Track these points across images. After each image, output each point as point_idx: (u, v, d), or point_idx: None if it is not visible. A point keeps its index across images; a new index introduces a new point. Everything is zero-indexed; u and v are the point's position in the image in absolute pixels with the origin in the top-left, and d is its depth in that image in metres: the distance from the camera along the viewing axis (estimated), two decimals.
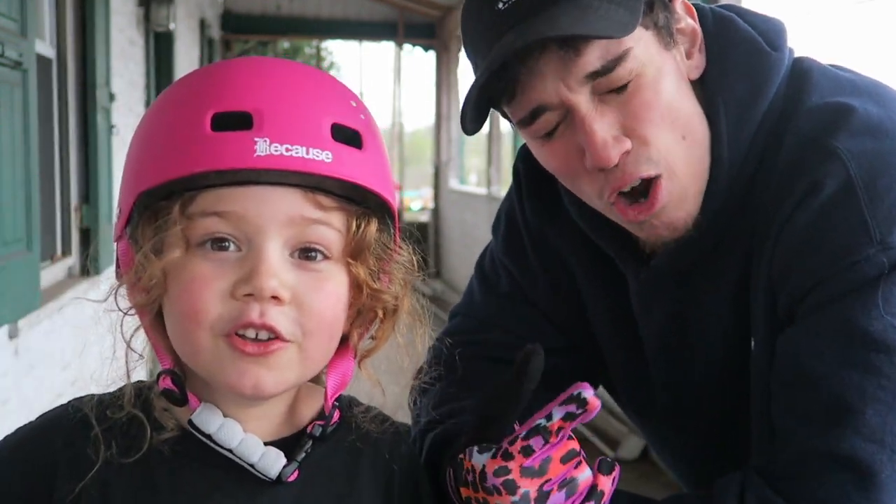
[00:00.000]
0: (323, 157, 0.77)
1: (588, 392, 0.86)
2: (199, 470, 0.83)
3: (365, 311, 0.87)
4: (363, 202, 0.83)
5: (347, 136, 0.80)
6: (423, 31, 12.05)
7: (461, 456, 0.92)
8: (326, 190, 0.80)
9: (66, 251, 4.57)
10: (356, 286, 0.84)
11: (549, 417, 0.87)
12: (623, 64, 0.96)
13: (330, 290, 0.81)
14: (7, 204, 3.18)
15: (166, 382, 0.83)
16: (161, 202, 0.79)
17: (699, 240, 1.06)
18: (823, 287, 0.94)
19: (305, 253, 0.80)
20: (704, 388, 1.16)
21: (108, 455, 0.81)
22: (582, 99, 0.98)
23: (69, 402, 0.88)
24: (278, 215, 0.78)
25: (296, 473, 0.84)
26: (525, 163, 1.28)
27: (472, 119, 1.01)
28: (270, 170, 0.76)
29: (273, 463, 0.83)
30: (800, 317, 0.96)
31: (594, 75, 0.96)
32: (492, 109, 1.05)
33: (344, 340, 0.88)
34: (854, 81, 1.06)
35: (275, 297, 0.77)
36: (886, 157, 0.95)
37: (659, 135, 0.99)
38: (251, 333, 0.78)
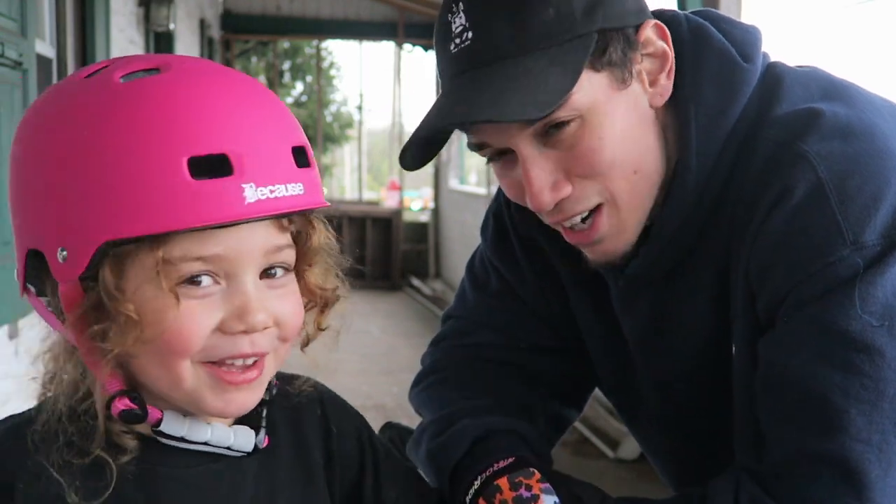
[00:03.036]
0: (297, 189, 0.78)
1: None
2: (174, 474, 0.85)
3: (308, 305, 0.91)
4: (309, 211, 0.85)
5: (302, 157, 0.81)
6: (423, 31, 12.05)
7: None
8: (293, 215, 0.82)
9: None
10: (308, 289, 0.88)
11: None
12: (562, 108, 0.97)
13: (295, 300, 0.85)
14: (7, 204, 3.18)
15: (124, 403, 0.80)
16: (127, 246, 0.75)
17: (670, 246, 1.07)
18: (800, 289, 0.94)
19: (267, 271, 0.82)
20: (687, 389, 1.17)
21: (75, 500, 0.79)
22: (523, 143, 1.00)
23: (6, 425, 0.87)
24: (255, 250, 0.79)
25: (266, 439, 0.89)
26: None
27: (416, 158, 1.05)
28: (262, 216, 0.76)
29: (247, 439, 0.87)
30: (779, 320, 0.97)
31: (531, 121, 0.98)
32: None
33: None
34: (824, 84, 1.07)
35: (265, 328, 0.80)
36: (856, 157, 0.95)
37: (604, 175, 1.01)
38: (238, 361, 0.80)
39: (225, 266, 0.78)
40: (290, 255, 0.84)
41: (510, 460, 1.06)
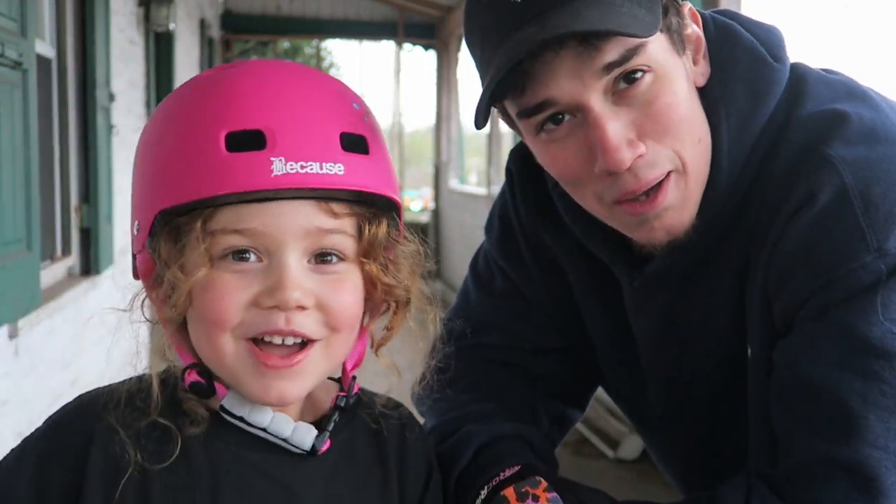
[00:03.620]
0: (336, 169, 0.80)
1: None
2: (235, 452, 0.86)
3: (378, 303, 0.92)
4: (372, 204, 0.87)
5: (355, 144, 0.83)
6: (423, 31, 12.04)
7: None
8: (339, 199, 0.83)
9: (66, 251, 4.57)
10: (370, 282, 0.88)
11: None
12: (639, 55, 0.95)
13: (349, 290, 0.86)
14: (7, 204, 3.18)
15: (193, 376, 0.86)
16: (180, 218, 0.82)
17: (693, 248, 1.06)
18: (821, 295, 0.94)
19: (322, 257, 0.84)
20: (700, 392, 1.16)
21: (140, 461, 0.83)
22: (596, 97, 0.95)
23: (83, 398, 0.89)
24: (296, 229, 0.81)
25: (328, 443, 0.88)
26: (517, 164, 1.27)
27: (483, 113, 0.99)
28: (287, 188, 0.79)
29: (306, 434, 0.87)
30: (798, 325, 0.96)
31: (610, 67, 0.94)
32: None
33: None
34: (847, 86, 1.06)
35: (299, 307, 0.81)
36: (880, 164, 0.95)
37: (677, 137, 0.98)
38: (277, 339, 0.82)
39: (266, 243, 0.81)
40: (343, 243, 0.85)
41: (516, 468, 1.05)
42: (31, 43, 3.47)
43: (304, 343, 0.83)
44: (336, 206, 0.83)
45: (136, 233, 0.86)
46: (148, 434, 0.85)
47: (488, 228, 1.35)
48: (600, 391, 1.38)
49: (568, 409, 1.31)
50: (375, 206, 0.87)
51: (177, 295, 0.82)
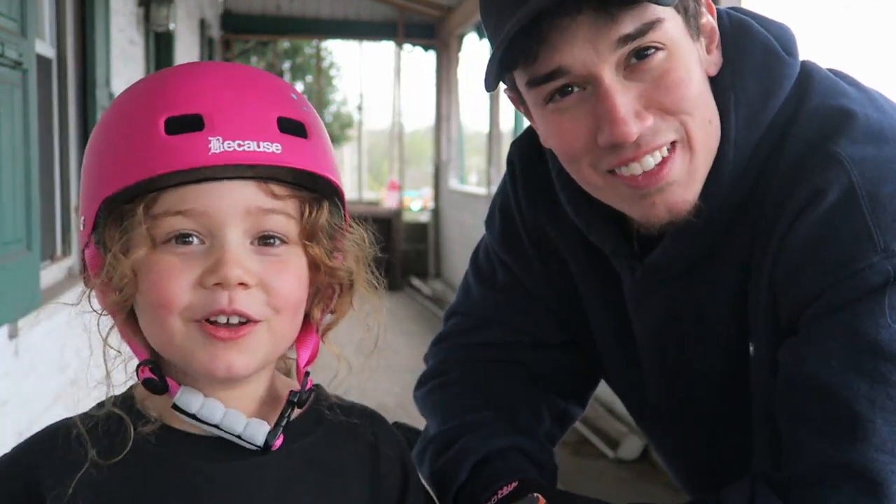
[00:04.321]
0: (273, 148, 0.82)
1: None
2: (188, 451, 0.87)
3: (323, 287, 0.93)
4: (313, 188, 0.88)
5: (293, 127, 0.85)
6: (423, 31, 12.04)
7: None
8: (279, 179, 0.85)
9: (66, 251, 4.57)
10: (314, 266, 0.90)
11: None
12: (654, 30, 0.95)
13: (291, 272, 0.87)
14: (7, 204, 3.18)
15: (145, 373, 0.87)
16: (125, 206, 0.84)
17: (696, 238, 1.06)
18: (828, 295, 0.93)
19: (265, 240, 0.85)
20: (700, 389, 1.16)
21: (93, 456, 0.84)
22: (608, 69, 0.96)
23: (57, 422, 0.91)
24: (237, 208, 0.83)
25: (281, 439, 0.88)
26: (519, 156, 1.27)
27: (496, 74, 1.00)
28: (226, 165, 0.81)
29: (258, 430, 0.87)
30: (805, 325, 0.96)
31: (625, 39, 0.94)
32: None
33: (306, 318, 0.93)
34: (853, 84, 1.07)
35: (241, 284, 0.82)
36: (888, 164, 0.95)
37: (684, 110, 0.98)
38: (222, 319, 0.83)
39: (208, 223, 0.83)
40: (284, 224, 0.86)
41: (513, 486, 1.05)
42: (31, 43, 3.47)
43: (248, 322, 0.85)
44: (276, 188, 0.85)
45: (81, 228, 0.87)
46: (103, 430, 0.86)
47: (489, 222, 1.35)
48: (600, 391, 1.37)
49: (569, 406, 1.31)
50: (317, 192, 0.89)
51: (118, 276, 0.83)
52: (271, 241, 0.85)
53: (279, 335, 0.87)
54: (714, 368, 1.12)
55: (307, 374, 0.93)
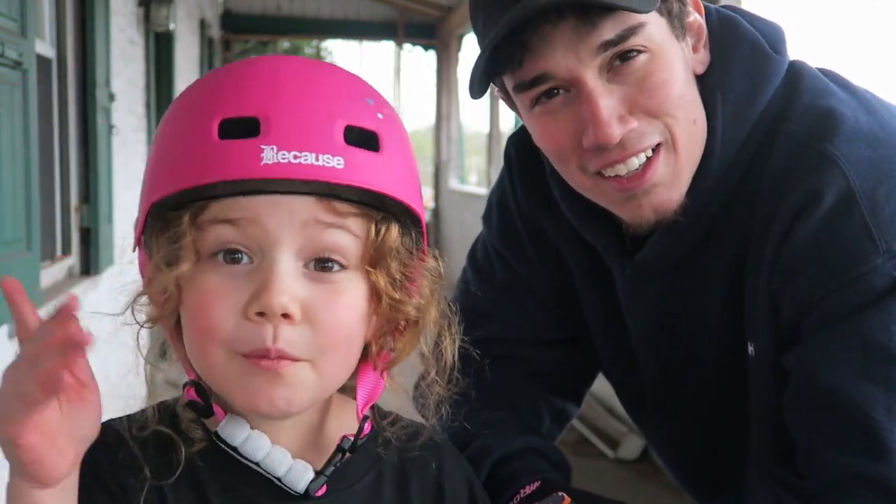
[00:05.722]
0: (334, 162, 0.73)
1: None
2: (228, 483, 0.80)
3: (384, 320, 0.83)
4: (383, 207, 0.79)
5: (362, 139, 0.76)
6: (423, 31, 12.04)
7: None
8: (340, 197, 0.76)
9: (66, 251, 4.57)
10: (376, 296, 0.80)
11: None
12: (636, 35, 0.96)
13: (345, 304, 0.77)
14: (7, 204, 3.18)
15: (191, 394, 0.81)
16: (172, 212, 0.77)
17: (683, 235, 1.06)
18: (833, 299, 0.93)
19: (321, 264, 0.77)
20: (694, 387, 1.16)
21: (145, 476, 0.78)
22: (590, 73, 0.97)
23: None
24: (292, 220, 0.75)
25: (324, 488, 0.81)
26: (517, 149, 1.27)
27: (481, 82, 1.01)
28: (278, 179, 0.72)
29: (300, 476, 0.80)
30: (810, 331, 0.96)
31: (606, 45, 0.96)
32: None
33: (366, 350, 0.84)
34: (842, 85, 1.07)
35: (285, 315, 0.74)
36: (883, 164, 0.95)
37: (668, 112, 0.99)
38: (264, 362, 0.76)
39: (258, 237, 0.75)
40: (343, 241, 0.77)
41: (536, 485, 1.04)
42: (31, 43, 3.47)
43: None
44: (339, 205, 0.76)
45: (133, 229, 0.83)
46: (152, 448, 0.80)
47: (486, 217, 1.35)
48: (601, 391, 1.37)
49: (566, 405, 1.31)
50: (387, 210, 0.79)
51: (156, 289, 0.76)
52: (329, 265, 0.76)
53: (327, 376, 0.78)
54: (707, 366, 1.13)
55: (366, 417, 0.84)
